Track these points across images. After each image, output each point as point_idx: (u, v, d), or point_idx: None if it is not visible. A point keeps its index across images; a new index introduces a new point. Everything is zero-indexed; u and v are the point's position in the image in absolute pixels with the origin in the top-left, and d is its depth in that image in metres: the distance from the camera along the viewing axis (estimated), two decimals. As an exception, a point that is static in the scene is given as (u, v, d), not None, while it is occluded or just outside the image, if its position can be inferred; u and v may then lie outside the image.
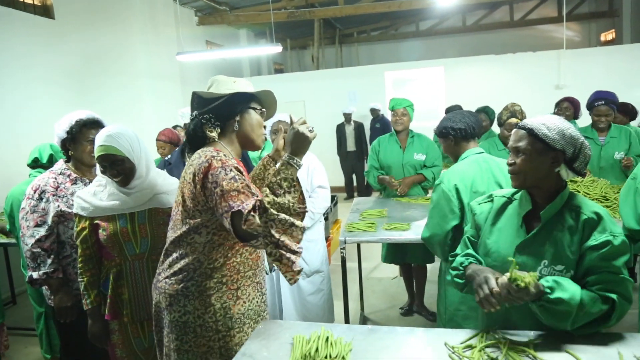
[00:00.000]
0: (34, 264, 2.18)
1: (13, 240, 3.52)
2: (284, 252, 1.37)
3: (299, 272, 1.42)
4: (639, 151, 3.48)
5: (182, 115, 2.39)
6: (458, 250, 1.73)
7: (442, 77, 9.09)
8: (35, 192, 2.21)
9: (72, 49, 5.96)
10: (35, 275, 2.17)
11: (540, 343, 1.36)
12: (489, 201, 1.67)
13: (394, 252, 3.64)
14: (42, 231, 2.18)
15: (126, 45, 7.06)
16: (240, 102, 1.61)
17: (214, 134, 1.60)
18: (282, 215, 1.37)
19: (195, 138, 1.62)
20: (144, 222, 2.00)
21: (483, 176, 2.17)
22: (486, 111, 4.67)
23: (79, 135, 2.22)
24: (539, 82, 8.40)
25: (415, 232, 2.70)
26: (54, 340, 2.89)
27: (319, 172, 3.05)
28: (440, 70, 9.10)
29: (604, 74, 8.08)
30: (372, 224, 2.85)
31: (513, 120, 3.29)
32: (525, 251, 1.48)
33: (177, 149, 2.54)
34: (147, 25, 7.46)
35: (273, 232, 1.35)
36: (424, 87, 9.27)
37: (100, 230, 1.95)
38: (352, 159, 8.72)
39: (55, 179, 2.25)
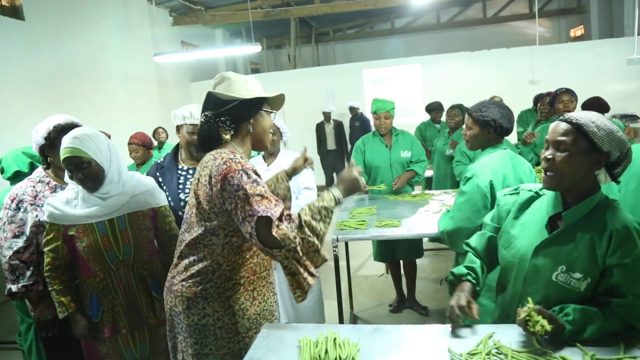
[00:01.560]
0: (13, 277, 2.08)
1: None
2: (302, 271, 1.41)
3: (307, 292, 1.47)
4: None
5: (175, 116, 2.35)
6: (473, 241, 1.71)
7: (419, 74, 9.18)
8: (12, 201, 2.12)
9: (43, 51, 5.78)
10: (14, 288, 2.07)
11: (543, 337, 1.37)
12: (515, 193, 1.62)
13: (385, 250, 3.66)
14: (20, 242, 2.09)
15: (100, 47, 6.89)
16: (255, 104, 1.61)
17: (228, 136, 1.58)
18: (314, 238, 1.41)
19: (210, 139, 1.60)
20: (125, 228, 1.93)
21: (510, 172, 2.14)
22: (460, 107, 4.74)
23: (57, 142, 2.10)
24: (513, 78, 8.57)
25: (406, 228, 2.71)
26: (44, 353, 2.79)
27: (305, 173, 3.02)
28: (417, 68, 9.19)
29: (575, 69, 8.31)
30: (363, 221, 2.85)
31: None
32: (544, 252, 1.42)
33: (169, 151, 2.49)
34: (121, 25, 7.30)
35: (299, 249, 1.39)
36: (402, 84, 9.35)
37: (78, 243, 1.87)
38: (332, 158, 8.72)
39: (34, 187, 2.16)
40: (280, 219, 1.37)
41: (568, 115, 1.37)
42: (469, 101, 5.29)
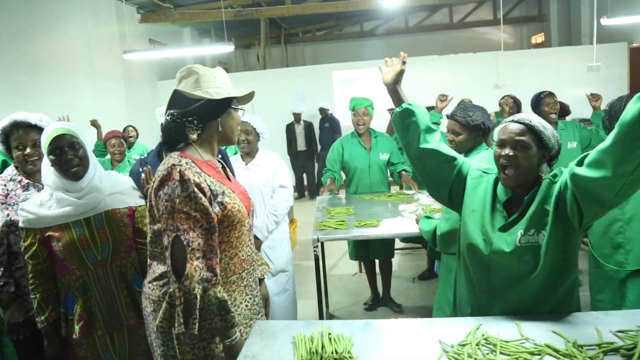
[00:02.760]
0: None
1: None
2: (180, 313, 1.38)
3: (175, 330, 1.42)
4: (588, 142, 3.76)
5: (159, 114, 2.32)
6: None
7: (388, 77, 9.29)
8: None
9: (5, 44, 5.55)
10: None
11: (526, 327, 1.44)
12: (487, 173, 1.71)
13: (360, 249, 3.71)
14: None
15: (65, 41, 6.65)
16: (223, 103, 1.56)
17: (195, 136, 1.54)
18: (202, 312, 1.39)
19: (176, 139, 1.56)
20: (102, 226, 1.89)
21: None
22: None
23: (9, 145, 2.11)
24: (479, 82, 8.80)
25: (386, 228, 2.76)
26: (10, 359, 2.69)
27: (281, 172, 3.05)
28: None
29: (538, 74, 8.62)
30: (343, 221, 2.88)
31: None
32: (506, 230, 1.56)
33: (153, 149, 2.46)
34: (87, 21, 7.06)
35: (183, 298, 1.38)
36: (371, 86, 9.44)
37: (54, 242, 1.83)
38: (302, 159, 8.74)
39: (5, 185, 2.11)
40: (200, 253, 1.38)
41: (517, 117, 1.55)
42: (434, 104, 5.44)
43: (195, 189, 1.42)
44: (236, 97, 1.59)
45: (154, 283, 1.55)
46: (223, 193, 1.53)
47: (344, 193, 3.96)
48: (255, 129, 3.00)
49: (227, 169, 1.72)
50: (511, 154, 1.52)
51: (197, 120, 1.52)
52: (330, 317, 3.87)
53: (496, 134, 1.62)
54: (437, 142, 1.69)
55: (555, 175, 1.52)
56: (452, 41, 12.42)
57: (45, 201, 1.85)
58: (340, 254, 5.32)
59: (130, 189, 2.05)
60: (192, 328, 1.37)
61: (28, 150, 2.08)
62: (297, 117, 8.58)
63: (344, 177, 3.95)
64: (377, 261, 3.91)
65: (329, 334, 1.36)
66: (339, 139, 3.94)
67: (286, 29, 13.28)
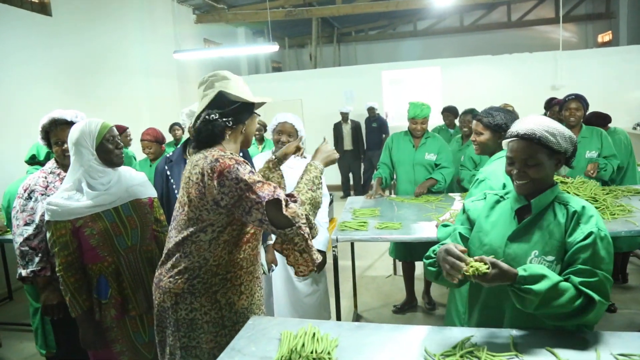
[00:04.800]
0: (23, 262, 2.20)
1: (9, 237, 3.54)
2: (311, 245, 1.48)
3: (311, 269, 1.52)
4: (610, 152, 3.54)
5: (188, 114, 2.43)
6: (442, 234, 1.74)
7: (438, 77, 9.12)
8: (25, 191, 2.24)
9: (69, 46, 5.96)
10: (23, 273, 2.19)
11: (521, 342, 1.39)
12: (482, 199, 1.69)
13: (401, 248, 3.69)
14: (30, 230, 2.20)
15: (123, 43, 7.06)
16: (251, 107, 1.68)
17: (228, 136, 1.65)
18: (314, 206, 1.56)
19: (213, 138, 1.61)
20: (130, 214, 2.05)
21: None
22: (473, 112, 4.68)
23: (50, 140, 2.28)
24: (535, 83, 8.44)
25: (406, 231, 2.73)
26: (50, 336, 2.91)
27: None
28: (437, 70, 9.13)
29: (600, 75, 8.12)
30: (364, 222, 2.88)
31: None
32: (516, 241, 1.50)
33: (178, 146, 2.57)
34: (144, 22, 7.46)
35: (303, 224, 1.48)
36: (421, 86, 9.30)
37: (87, 232, 1.93)
38: (348, 158, 8.73)
39: (46, 178, 2.28)
40: (286, 199, 1.46)
41: (523, 130, 1.47)
42: (488, 105, 5.26)
43: (249, 165, 1.53)
44: (266, 102, 1.71)
45: (177, 277, 1.60)
46: None
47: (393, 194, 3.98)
48: (298, 131, 3.01)
49: None
50: (522, 172, 1.49)
51: (232, 121, 1.62)
52: (358, 317, 3.87)
53: (504, 145, 1.58)
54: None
55: (567, 203, 1.48)
56: (510, 40, 11.98)
57: (72, 195, 1.96)
58: (377, 255, 5.30)
59: (145, 182, 2.20)
60: (315, 232, 1.56)
61: (65, 145, 2.24)
62: (344, 116, 8.57)
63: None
64: (416, 265, 3.86)
65: (314, 333, 1.38)
66: (391, 135, 3.99)
67: (339, 28, 13.32)
